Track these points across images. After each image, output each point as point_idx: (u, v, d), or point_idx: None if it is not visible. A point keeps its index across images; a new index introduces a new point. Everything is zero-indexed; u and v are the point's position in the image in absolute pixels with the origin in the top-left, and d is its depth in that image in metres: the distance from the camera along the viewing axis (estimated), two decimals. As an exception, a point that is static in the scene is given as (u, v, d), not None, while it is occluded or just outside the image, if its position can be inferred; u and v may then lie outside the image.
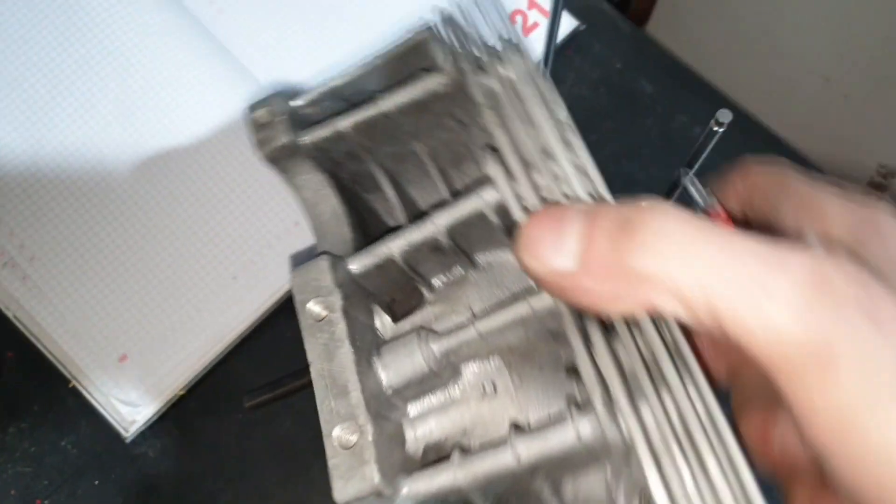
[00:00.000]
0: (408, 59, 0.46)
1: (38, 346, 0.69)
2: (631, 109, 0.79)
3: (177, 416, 0.71)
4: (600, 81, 0.80)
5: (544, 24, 0.79)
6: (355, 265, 0.42)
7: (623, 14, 0.84)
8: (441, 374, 0.41)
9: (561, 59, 0.79)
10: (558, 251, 0.28)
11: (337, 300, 0.40)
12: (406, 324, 0.46)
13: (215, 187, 0.72)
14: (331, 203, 0.48)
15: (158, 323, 0.70)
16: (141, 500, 0.69)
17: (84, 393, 0.69)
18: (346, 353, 0.39)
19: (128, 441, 0.69)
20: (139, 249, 0.71)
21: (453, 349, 0.40)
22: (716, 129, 0.49)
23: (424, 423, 0.44)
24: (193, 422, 0.71)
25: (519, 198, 0.37)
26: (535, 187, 0.36)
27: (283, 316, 0.71)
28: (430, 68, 0.45)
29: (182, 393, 0.70)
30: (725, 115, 0.48)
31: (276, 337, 0.71)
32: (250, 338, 0.72)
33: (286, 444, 0.70)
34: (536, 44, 0.76)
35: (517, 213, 0.37)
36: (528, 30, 0.78)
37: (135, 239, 0.71)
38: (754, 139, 0.78)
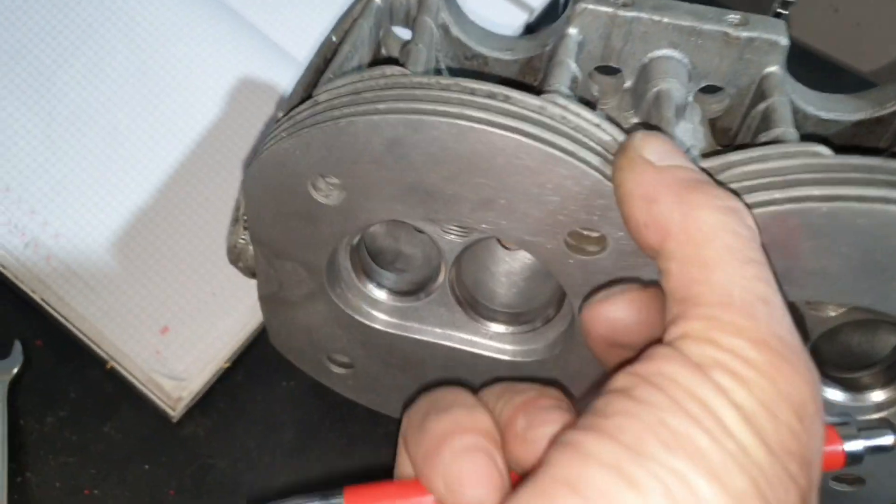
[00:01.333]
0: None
1: (70, 327, 0.64)
2: None
3: (224, 390, 0.65)
4: None
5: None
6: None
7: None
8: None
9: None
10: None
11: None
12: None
13: (246, 147, 0.68)
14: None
15: (199, 290, 0.65)
16: (196, 482, 0.63)
17: (123, 373, 0.63)
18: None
19: (175, 420, 0.64)
20: (170, 216, 0.66)
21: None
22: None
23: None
24: (242, 395, 0.65)
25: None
26: None
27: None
28: None
29: (227, 365, 0.65)
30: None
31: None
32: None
33: (345, 410, 0.65)
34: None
35: None
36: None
37: (164, 205, 0.67)
38: None
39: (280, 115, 0.43)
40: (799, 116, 0.47)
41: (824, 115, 0.47)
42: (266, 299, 0.53)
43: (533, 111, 0.37)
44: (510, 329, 0.51)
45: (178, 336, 0.64)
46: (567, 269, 0.42)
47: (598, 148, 0.37)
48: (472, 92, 0.37)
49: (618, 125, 0.38)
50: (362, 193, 0.42)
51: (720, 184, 0.35)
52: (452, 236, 0.46)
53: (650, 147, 0.34)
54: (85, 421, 0.64)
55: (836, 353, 0.49)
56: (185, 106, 0.68)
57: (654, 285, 0.38)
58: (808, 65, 0.80)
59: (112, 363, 0.64)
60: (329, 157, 0.40)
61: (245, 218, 0.48)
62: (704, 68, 0.46)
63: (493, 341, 0.51)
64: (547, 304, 0.50)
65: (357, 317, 0.51)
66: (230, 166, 0.68)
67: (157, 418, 0.64)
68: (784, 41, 0.44)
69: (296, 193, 0.42)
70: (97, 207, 0.66)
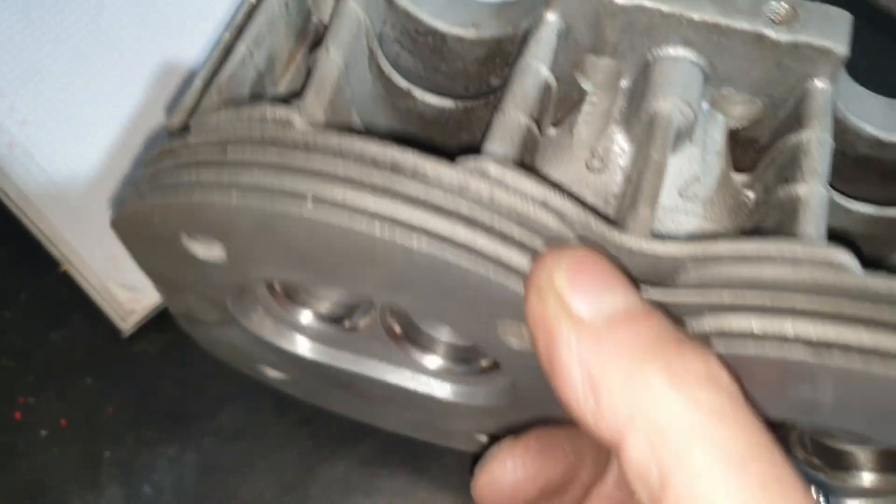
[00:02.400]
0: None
1: (25, 221, 0.59)
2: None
3: (182, 310, 0.60)
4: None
5: None
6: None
7: None
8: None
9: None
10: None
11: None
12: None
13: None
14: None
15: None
16: (138, 403, 0.58)
17: (77, 277, 0.58)
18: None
19: (126, 335, 0.59)
20: (147, 113, 0.61)
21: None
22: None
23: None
24: (201, 315, 0.60)
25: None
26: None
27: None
28: None
29: (189, 283, 0.60)
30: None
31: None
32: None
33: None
34: None
35: None
36: None
37: (144, 102, 0.61)
38: None
39: (145, 158, 0.35)
40: (850, 136, 0.36)
41: (885, 136, 0.36)
42: (179, 317, 0.47)
43: (449, 192, 0.28)
44: (454, 367, 0.43)
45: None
46: (505, 355, 0.35)
47: (534, 243, 0.28)
48: (373, 163, 0.29)
49: (573, 198, 0.29)
50: (244, 259, 0.35)
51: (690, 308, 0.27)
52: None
53: (577, 290, 0.26)
54: (31, 325, 0.60)
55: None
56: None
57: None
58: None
59: (66, 266, 0.59)
60: (195, 223, 0.33)
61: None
62: (727, 73, 0.35)
63: (435, 378, 0.44)
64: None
65: (279, 343, 0.44)
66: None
67: (107, 330, 0.59)
68: (841, 49, 0.33)
69: (172, 247, 0.35)
70: (71, 98, 0.60)
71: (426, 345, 0.43)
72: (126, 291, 0.58)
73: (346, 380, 0.46)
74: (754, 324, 0.26)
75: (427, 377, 0.43)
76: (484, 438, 0.47)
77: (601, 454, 0.38)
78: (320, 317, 0.44)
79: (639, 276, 0.28)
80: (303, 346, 0.45)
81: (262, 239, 0.32)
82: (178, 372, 0.59)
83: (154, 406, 0.58)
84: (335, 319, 0.44)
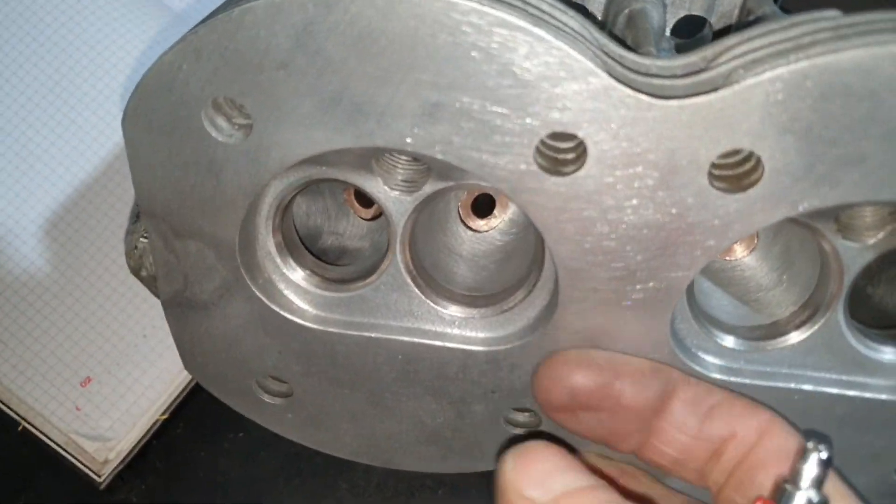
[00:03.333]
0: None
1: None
2: None
3: (160, 447, 0.55)
4: None
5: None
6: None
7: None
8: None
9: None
10: None
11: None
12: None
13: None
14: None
15: (126, 332, 0.56)
16: (129, 556, 0.53)
17: (38, 435, 0.53)
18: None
19: (102, 487, 0.53)
20: (88, 244, 0.58)
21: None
22: None
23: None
24: (183, 451, 0.55)
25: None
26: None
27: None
28: None
29: (164, 417, 0.55)
30: None
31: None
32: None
33: (303, 462, 0.55)
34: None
35: None
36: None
37: (81, 232, 0.58)
38: None
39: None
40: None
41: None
42: (171, 304, 0.42)
43: None
44: (479, 312, 0.41)
45: (102, 387, 0.54)
46: (542, 200, 0.33)
47: (571, 25, 0.29)
48: None
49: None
50: (272, 117, 0.33)
51: None
52: (398, 192, 0.37)
53: (527, 479, 0.32)
54: (-4, 492, 0.54)
55: (885, 295, 0.40)
56: (100, 113, 0.60)
57: None
58: None
59: (24, 424, 0.54)
60: (226, 68, 0.31)
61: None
62: None
63: (460, 329, 0.40)
64: (522, 280, 0.41)
65: (286, 314, 0.40)
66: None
67: (81, 485, 0.53)
68: None
69: (189, 132, 0.34)
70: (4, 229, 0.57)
71: (449, 296, 0.41)
72: (94, 442, 0.53)
73: (360, 363, 0.42)
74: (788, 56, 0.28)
75: (456, 328, 0.41)
76: (516, 430, 0.43)
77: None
78: (334, 279, 0.42)
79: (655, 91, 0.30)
80: (315, 316, 0.41)
81: (299, 64, 0.31)
82: (166, 514, 0.54)
83: (148, 556, 0.53)
84: (351, 278, 0.41)
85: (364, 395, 0.43)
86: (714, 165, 0.31)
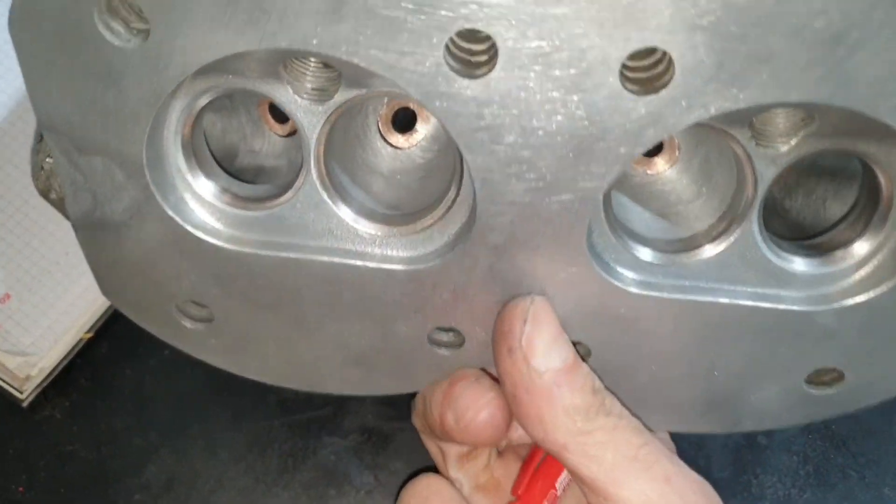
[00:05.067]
0: None
1: None
2: None
3: (85, 365, 0.54)
4: None
5: None
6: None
7: None
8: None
9: None
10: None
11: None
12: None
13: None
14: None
15: (47, 250, 0.54)
16: (51, 474, 0.51)
17: (-43, 352, 0.52)
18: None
19: (25, 404, 0.52)
20: (4, 172, 0.55)
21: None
22: None
23: None
24: (108, 369, 0.54)
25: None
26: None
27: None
28: None
29: (89, 336, 0.54)
30: None
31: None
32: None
33: (229, 378, 0.54)
34: None
35: None
36: None
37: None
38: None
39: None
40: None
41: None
42: (82, 226, 0.40)
43: None
44: (399, 231, 0.39)
45: (22, 304, 0.53)
46: (455, 106, 0.31)
47: None
48: None
49: None
50: (169, 20, 0.30)
51: None
52: (308, 101, 0.35)
53: (535, 349, 0.35)
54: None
55: (802, 209, 0.40)
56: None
57: None
58: None
59: (-60, 342, 0.52)
60: None
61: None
62: None
63: (380, 248, 0.39)
64: (442, 197, 0.39)
65: (200, 234, 0.38)
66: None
67: (2, 402, 0.52)
68: None
69: (83, 37, 0.31)
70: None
71: (366, 213, 0.39)
72: (17, 357, 0.52)
73: (279, 284, 0.40)
74: None
75: (375, 247, 0.39)
76: (444, 352, 0.41)
77: None
78: (248, 197, 0.39)
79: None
80: (231, 237, 0.39)
81: None
82: (91, 432, 0.52)
83: (71, 474, 0.51)
84: (266, 196, 0.39)
85: (286, 317, 0.41)
86: (626, 67, 0.29)
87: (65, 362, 0.53)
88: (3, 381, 0.51)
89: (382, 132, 0.41)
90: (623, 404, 0.37)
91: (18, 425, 0.52)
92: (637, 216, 0.41)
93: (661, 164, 0.40)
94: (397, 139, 0.41)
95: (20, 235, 0.54)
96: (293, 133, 0.42)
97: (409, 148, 0.42)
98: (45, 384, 0.52)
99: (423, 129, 0.41)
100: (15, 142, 0.55)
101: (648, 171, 0.41)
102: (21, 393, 0.51)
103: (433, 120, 0.41)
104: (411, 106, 0.41)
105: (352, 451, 0.53)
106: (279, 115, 0.42)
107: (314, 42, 0.30)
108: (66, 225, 0.53)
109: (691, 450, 0.52)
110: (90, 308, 0.53)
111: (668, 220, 0.40)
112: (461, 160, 0.35)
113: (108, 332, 0.54)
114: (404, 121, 0.41)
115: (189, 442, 0.52)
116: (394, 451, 0.53)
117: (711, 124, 0.33)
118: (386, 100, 0.40)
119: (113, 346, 0.54)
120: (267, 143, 0.43)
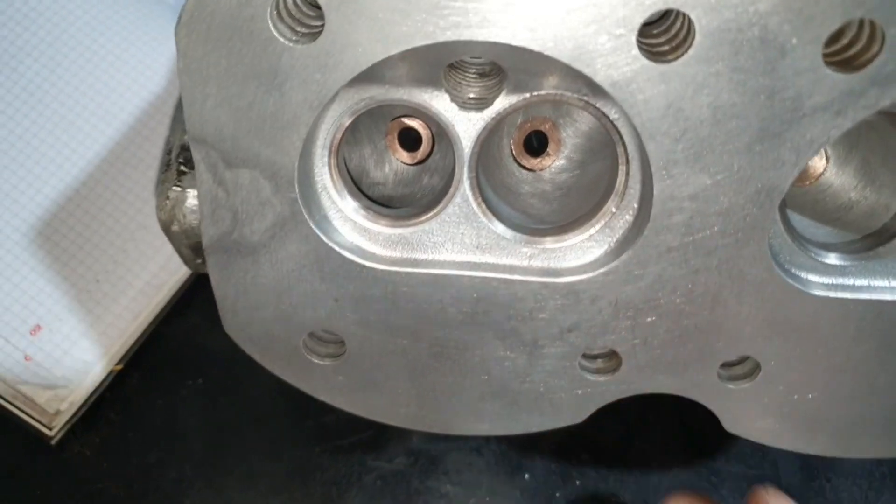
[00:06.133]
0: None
1: None
2: None
3: (115, 398, 0.50)
4: None
5: None
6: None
7: None
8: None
9: None
10: None
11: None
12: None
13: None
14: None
15: (78, 278, 0.51)
16: (82, 513, 0.48)
17: (-18, 388, 0.49)
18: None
19: (54, 441, 0.49)
20: (37, 186, 0.53)
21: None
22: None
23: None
24: (139, 402, 0.51)
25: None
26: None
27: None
28: None
29: (118, 367, 0.51)
30: None
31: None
32: (197, 284, 0.53)
33: (264, 406, 0.51)
34: None
35: None
36: None
37: (29, 177, 0.54)
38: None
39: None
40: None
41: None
42: (215, 249, 0.37)
43: None
44: (551, 242, 0.37)
45: (53, 336, 0.50)
46: (643, 93, 0.31)
47: None
48: None
49: None
50: (346, 13, 0.30)
51: None
52: (466, 109, 0.35)
53: None
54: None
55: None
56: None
57: None
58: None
59: (-34, 378, 0.49)
60: None
61: (183, 124, 0.33)
62: None
63: (533, 261, 0.37)
64: (599, 207, 0.38)
65: (345, 253, 0.36)
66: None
67: (29, 440, 0.49)
68: None
69: (252, 37, 0.30)
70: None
71: (513, 225, 0.38)
72: (46, 391, 0.49)
73: (423, 305, 0.38)
74: None
75: (529, 260, 0.37)
76: (596, 378, 0.39)
77: None
78: (397, 216, 0.38)
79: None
80: (379, 257, 0.37)
81: None
82: (122, 468, 0.49)
83: (101, 513, 0.48)
84: (416, 211, 0.38)
85: (426, 345, 0.39)
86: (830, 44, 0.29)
87: (95, 396, 0.50)
88: (32, 417, 0.48)
89: (515, 155, 0.40)
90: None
91: (46, 464, 0.48)
92: (807, 224, 0.40)
93: (819, 167, 0.40)
94: (531, 162, 0.40)
95: (50, 265, 0.51)
96: (422, 161, 0.41)
97: (542, 171, 0.41)
98: (74, 420, 0.49)
99: (555, 153, 0.40)
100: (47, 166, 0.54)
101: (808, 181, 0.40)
102: (50, 430, 0.48)
103: (567, 144, 0.40)
104: (543, 129, 0.39)
105: (399, 476, 0.50)
106: (407, 144, 0.40)
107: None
108: (98, 251, 0.52)
109: (756, 456, 0.49)
110: (120, 337, 0.51)
111: (837, 224, 0.40)
112: (614, 170, 0.35)
113: (139, 362, 0.52)
114: (537, 144, 0.41)
115: (225, 474, 0.49)
116: (443, 474, 0.50)
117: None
118: (519, 121, 0.39)
119: (143, 377, 0.52)
120: (392, 174, 0.42)
